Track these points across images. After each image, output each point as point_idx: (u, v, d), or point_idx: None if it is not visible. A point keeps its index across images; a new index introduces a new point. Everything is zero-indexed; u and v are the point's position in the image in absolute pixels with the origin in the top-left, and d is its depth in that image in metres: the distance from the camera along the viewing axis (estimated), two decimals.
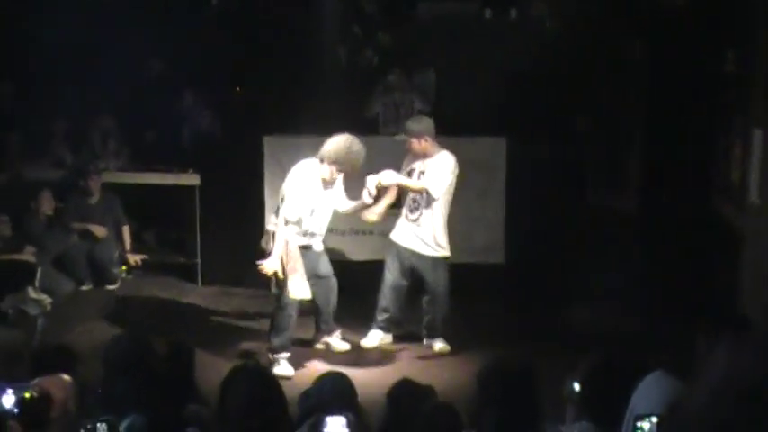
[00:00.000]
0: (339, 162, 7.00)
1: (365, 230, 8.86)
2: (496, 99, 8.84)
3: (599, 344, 7.01)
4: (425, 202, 7.43)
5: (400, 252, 7.58)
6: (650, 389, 3.48)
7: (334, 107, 9.17)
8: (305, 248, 7.22)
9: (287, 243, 7.12)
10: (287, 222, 7.05)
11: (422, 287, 7.62)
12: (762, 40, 6.91)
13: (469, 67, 9.02)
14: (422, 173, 7.39)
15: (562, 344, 7.41)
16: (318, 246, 7.40)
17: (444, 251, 7.52)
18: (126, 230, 9.45)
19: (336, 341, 7.69)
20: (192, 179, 9.31)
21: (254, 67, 9.51)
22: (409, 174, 7.44)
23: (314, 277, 7.30)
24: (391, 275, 7.62)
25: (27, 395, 3.75)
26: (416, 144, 7.38)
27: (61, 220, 9.16)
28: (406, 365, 7.31)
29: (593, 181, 8.84)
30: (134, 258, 9.34)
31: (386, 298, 7.67)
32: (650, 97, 8.52)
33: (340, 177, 7.22)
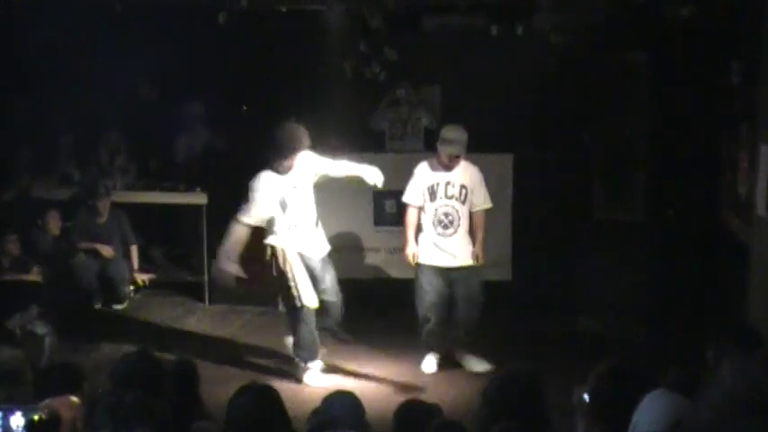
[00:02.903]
0: (283, 148, 7.02)
1: (372, 248, 8.88)
2: (503, 114, 8.84)
3: (606, 357, 7.04)
4: (463, 214, 7.39)
5: (438, 271, 7.47)
6: (653, 406, 3.46)
7: (340, 123, 9.19)
8: (304, 255, 7.20)
9: (284, 251, 7.12)
10: (241, 219, 7.12)
11: (456, 300, 7.51)
12: None
13: (475, 82, 9.02)
14: (463, 187, 7.35)
15: (569, 358, 7.40)
16: (318, 252, 7.32)
17: (482, 258, 7.49)
18: (134, 249, 9.47)
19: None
20: (199, 197, 9.32)
21: (260, 84, 9.52)
22: (446, 186, 7.38)
23: (317, 286, 7.28)
24: (428, 296, 7.48)
25: (36, 417, 3.76)
26: (462, 152, 7.34)
27: (68, 239, 9.18)
28: (415, 383, 7.29)
29: (599, 194, 8.82)
30: (142, 278, 9.36)
31: (426, 319, 7.54)
32: (656, 110, 8.51)
33: (308, 161, 7.19)
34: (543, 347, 7.80)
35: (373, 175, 7.26)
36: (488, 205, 7.46)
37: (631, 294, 8.22)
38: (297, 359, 7.36)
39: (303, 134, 7.16)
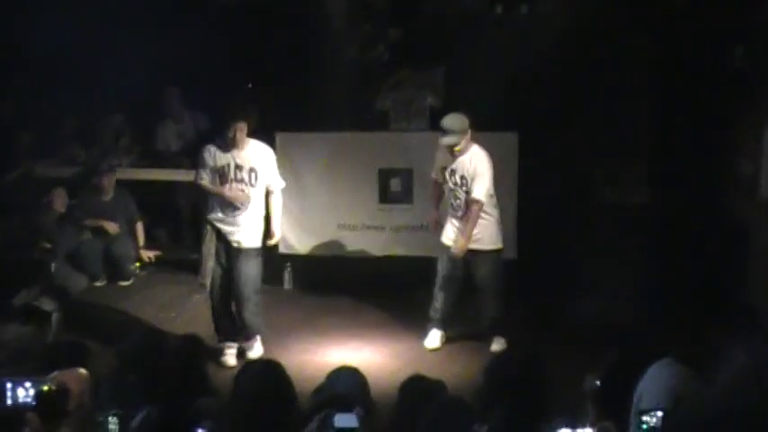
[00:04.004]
0: (225, 118, 7.14)
1: (377, 226, 8.91)
2: (506, 95, 8.83)
3: (610, 337, 7.08)
4: (465, 202, 7.38)
5: (452, 252, 7.49)
6: (657, 377, 3.48)
7: (345, 103, 9.20)
8: (222, 236, 7.23)
9: (209, 226, 7.22)
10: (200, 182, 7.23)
11: (474, 283, 7.52)
12: None
13: (480, 62, 9.02)
14: (462, 177, 7.31)
15: (572, 338, 7.44)
16: (242, 241, 7.26)
17: (496, 244, 7.49)
18: (139, 227, 9.50)
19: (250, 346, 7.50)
20: None
21: (264, 65, 9.53)
22: (451, 173, 7.37)
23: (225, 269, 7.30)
24: (444, 274, 7.52)
25: (45, 388, 3.81)
26: (459, 146, 7.29)
27: (74, 216, 9.21)
28: (418, 360, 7.33)
29: (603, 176, 8.84)
30: (147, 254, 9.39)
31: (439, 296, 7.59)
32: (660, 93, 8.51)
33: (266, 158, 7.24)
34: (545, 328, 7.83)
35: (271, 239, 7.39)
36: (481, 198, 7.27)
37: (634, 277, 8.24)
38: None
39: (244, 106, 7.27)
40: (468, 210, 7.32)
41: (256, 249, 7.32)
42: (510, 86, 8.87)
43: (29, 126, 9.83)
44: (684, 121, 8.33)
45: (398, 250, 8.82)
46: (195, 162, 7.44)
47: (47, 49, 9.26)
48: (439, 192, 7.62)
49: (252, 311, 7.35)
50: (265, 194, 7.30)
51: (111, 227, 9.21)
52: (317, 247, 9.07)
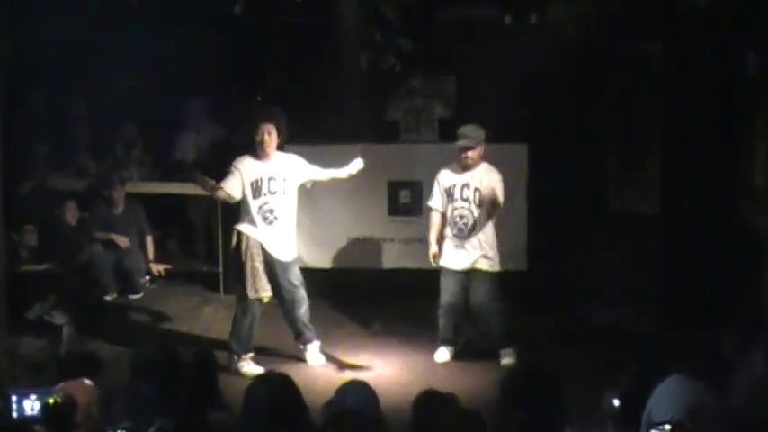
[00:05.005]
0: (249, 124, 7.17)
1: (387, 238, 8.90)
2: (517, 104, 8.82)
3: (623, 347, 7.06)
4: (478, 218, 7.37)
5: (456, 274, 7.46)
6: (668, 392, 3.46)
7: (354, 113, 9.19)
8: (267, 252, 7.25)
9: (248, 239, 7.20)
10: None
11: (473, 304, 7.50)
12: None
13: (490, 72, 9.01)
14: (476, 190, 7.32)
15: (584, 349, 7.42)
16: (282, 254, 7.32)
17: (497, 265, 7.49)
18: (149, 240, 9.49)
19: (312, 353, 7.57)
20: None
21: (275, 76, 9.54)
22: (461, 188, 7.37)
23: (280, 284, 7.33)
24: (447, 296, 7.50)
25: (51, 400, 3.79)
26: (473, 153, 7.31)
27: (85, 229, 9.22)
28: (428, 373, 7.31)
29: (614, 185, 8.82)
30: (157, 268, 9.38)
31: (444, 317, 7.57)
32: (672, 101, 8.48)
33: (296, 163, 7.28)
34: (558, 338, 7.80)
35: (355, 165, 7.30)
36: (502, 205, 7.36)
37: (646, 285, 8.20)
38: (229, 350, 7.37)
39: (274, 110, 7.27)
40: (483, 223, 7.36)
41: (297, 256, 7.49)
42: (520, 97, 8.86)
43: (44, 138, 9.84)
44: (697, 129, 8.30)
45: (408, 262, 8.79)
46: (221, 173, 7.42)
47: (61, 59, 9.29)
48: (440, 221, 7.55)
49: (308, 314, 7.48)
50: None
51: (122, 240, 9.22)
52: (327, 259, 9.04)
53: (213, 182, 7.30)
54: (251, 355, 7.41)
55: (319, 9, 8.90)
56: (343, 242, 8.97)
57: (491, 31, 8.96)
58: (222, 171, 9.21)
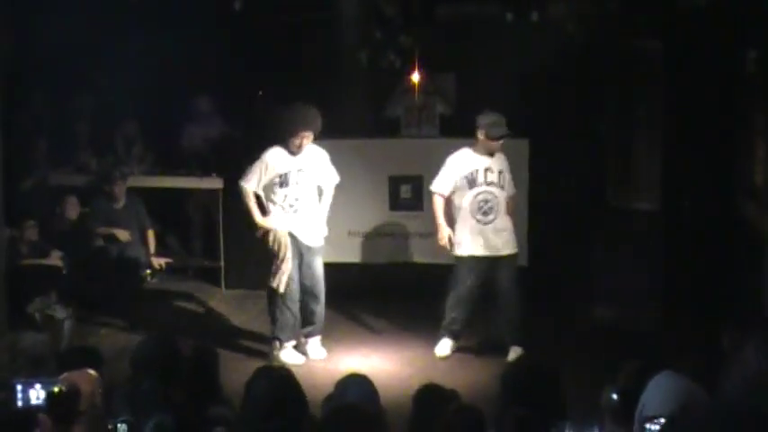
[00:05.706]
0: (291, 124, 7.27)
1: (388, 233, 8.92)
2: (517, 101, 8.83)
3: (623, 343, 7.08)
4: (501, 201, 7.44)
5: (479, 262, 7.45)
6: (660, 387, 3.48)
7: (355, 110, 9.21)
8: (297, 238, 7.36)
9: (276, 231, 7.31)
10: (240, 182, 7.40)
11: (497, 290, 7.50)
12: None
13: (491, 69, 9.03)
14: (501, 172, 7.44)
15: (584, 346, 7.44)
16: (311, 240, 7.46)
17: (516, 248, 7.59)
18: (150, 234, 9.49)
19: (313, 346, 7.64)
20: (214, 183, 9.39)
21: (276, 71, 9.55)
22: (485, 172, 7.41)
23: (304, 271, 7.44)
24: (466, 287, 7.47)
25: (56, 389, 3.81)
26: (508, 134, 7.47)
27: (86, 224, 9.23)
28: (429, 368, 7.33)
29: (614, 184, 8.83)
30: (158, 262, 9.38)
31: (457, 308, 7.54)
32: (671, 98, 8.49)
33: (322, 159, 7.43)
34: (558, 334, 7.82)
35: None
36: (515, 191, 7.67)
37: (646, 283, 8.22)
38: (273, 339, 7.50)
39: (313, 116, 7.33)
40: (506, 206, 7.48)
41: (323, 246, 7.57)
42: (520, 93, 8.87)
43: (45, 133, 9.86)
44: (697, 128, 8.31)
45: (409, 257, 8.82)
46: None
47: (62, 55, 9.31)
48: (449, 208, 7.58)
49: (323, 307, 7.59)
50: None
51: (123, 234, 9.22)
52: (328, 253, 9.04)
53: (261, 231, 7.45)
54: (293, 343, 7.49)
55: (320, 6, 8.92)
56: (344, 237, 8.99)
57: (491, 28, 8.98)
58: (221, 166, 9.35)
